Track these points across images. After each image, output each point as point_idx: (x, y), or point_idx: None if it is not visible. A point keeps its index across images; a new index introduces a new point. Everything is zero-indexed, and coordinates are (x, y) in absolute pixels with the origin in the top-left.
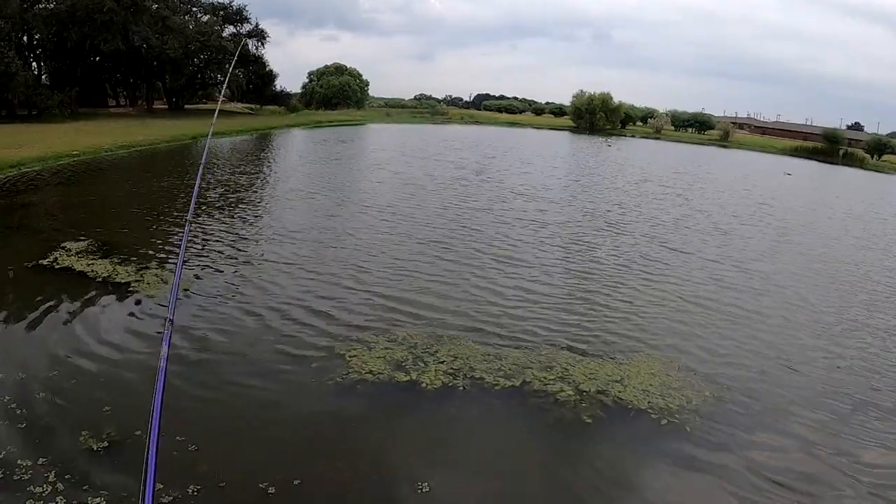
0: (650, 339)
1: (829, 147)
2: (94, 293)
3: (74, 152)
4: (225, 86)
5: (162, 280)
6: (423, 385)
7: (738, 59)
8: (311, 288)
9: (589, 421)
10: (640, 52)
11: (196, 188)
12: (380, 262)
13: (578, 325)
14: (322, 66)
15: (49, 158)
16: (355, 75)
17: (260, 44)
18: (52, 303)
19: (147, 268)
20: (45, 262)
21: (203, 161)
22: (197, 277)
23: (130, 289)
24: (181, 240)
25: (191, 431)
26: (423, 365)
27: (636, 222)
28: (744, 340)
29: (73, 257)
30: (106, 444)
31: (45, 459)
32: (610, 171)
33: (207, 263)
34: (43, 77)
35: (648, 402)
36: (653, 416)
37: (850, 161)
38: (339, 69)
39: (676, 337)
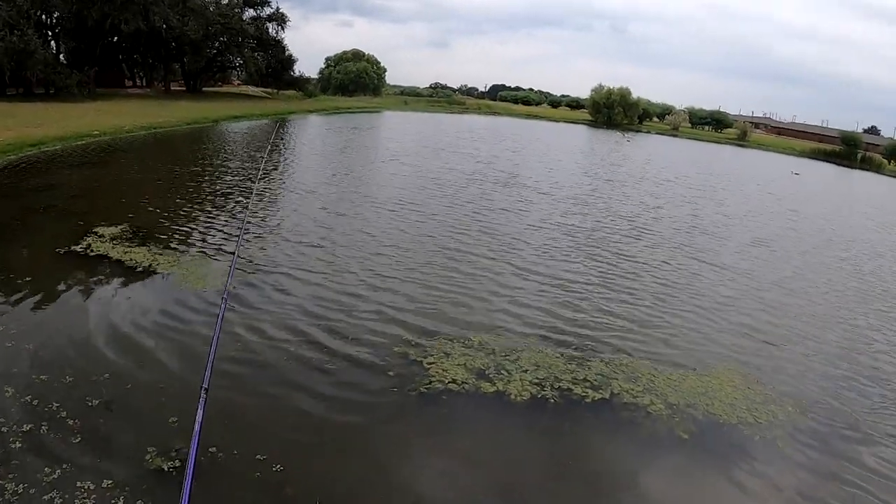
0: (723, 351)
1: (847, 150)
2: (136, 286)
3: (95, 132)
4: (243, 69)
5: (206, 271)
6: (511, 396)
7: (755, 57)
8: (372, 287)
9: (685, 437)
10: (656, 46)
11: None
12: (441, 265)
13: (652, 335)
14: (340, 51)
15: (69, 138)
16: (373, 62)
17: (280, 27)
18: (91, 296)
19: (187, 257)
20: (78, 248)
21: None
22: (248, 272)
23: (176, 282)
24: (218, 227)
25: (269, 449)
26: (506, 374)
27: (692, 233)
28: (815, 350)
29: (107, 243)
30: (177, 462)
31: (109, 482)
32: (653, 173)
33: (256, 261)
34: (61, 56)
35: (738, 417)
36: (745, 431)
37: (867, 165)
38: (356, 55)
39: (749, 348)
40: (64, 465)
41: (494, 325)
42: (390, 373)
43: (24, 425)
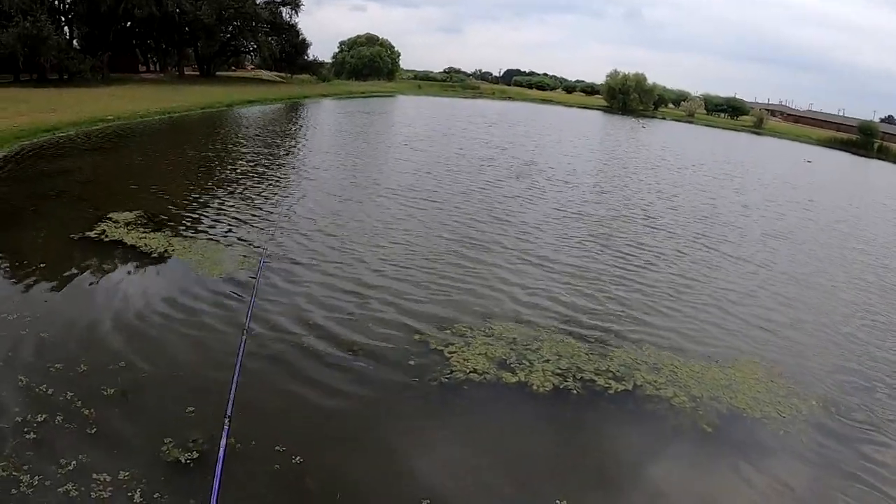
0: (744, 343)
1: (864, 140)
2: (151, 272)
3: (109, 117)
4: (257, 54)
5: (221, 258)
6: (534, 387)
7: (771, 43)
8: (389, 276)
9: (709, 430)
10: (670, 32)
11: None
12: (457, 253)
13: (673, 326)
14: (353, 36)
15: (83, 123)
16: (386, 46)
17: (293, 11)
18: (106, 283)
19: (202, 243)
20: (92, 234)
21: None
22: (270, 259)
23: (191, 268)
24: (232, 213)
25: (291, 441)
26: (528, 364)
27: (714, 222)
28: (839, 344)
29: (122, 229)
30: (195, 454)
31: (126, 473)
32: (678, 162)
33: (270, 251)
34: (74, 41)
35: (761, 412)
36: (769, 426)
37: (884, 155)
38: (370, 40)
39: (770, 340)
40: (80, 457)
41: (514, 314)
42: (410, 362)
43: (39, 415)
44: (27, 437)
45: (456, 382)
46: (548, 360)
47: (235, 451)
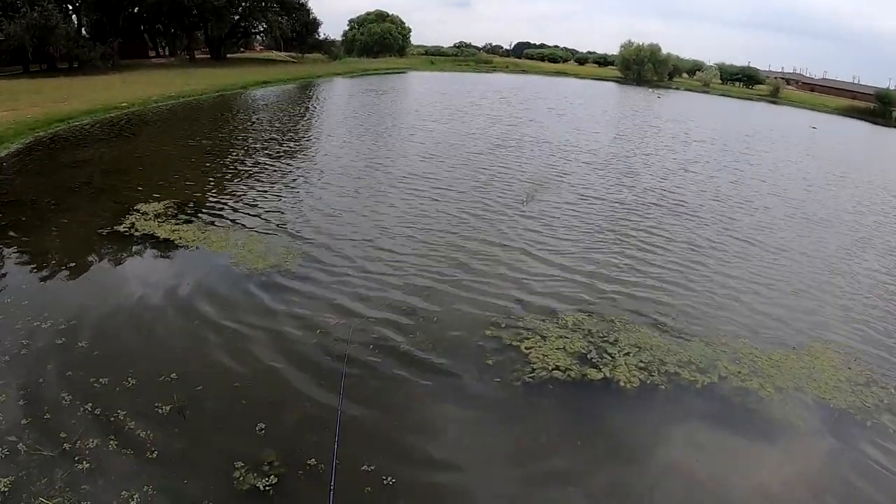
0: (812, 328)
1: (882, 108)
2: (192, 269)
3: (123, 104)
4: (267, 34)
5: (263, 249)
6: (620, 383)
7: (785, 11)
8: (450, 265)
9: (800, 423)
10: (682, 2)
11: None
12: (499, 245)
13: (743, 312)
14: (363, 13)
15: (98, 111)
16: (397, 22)
17: None
18: (144, 283)
19: (240, 233)
20: (121, 228)
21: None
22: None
23: (234, 262)
24: (263, 200)
25: (371, 458)
26: (610, 358)
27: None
28: None
29: (151, 221)
30: (273, 479)
31: None
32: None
33: (308, 243)
34: (83, 30)
35: (846, 402)
36: (856, 417)
37: None
38: (380, 16)
39: (835, 325)
40: (144, 488)
41: (583, 304)
42: (489, 361)
43: (91, 440)
44: (79, 466)
45: (539, 382)
46: (628, 354)
47: (315, 470)
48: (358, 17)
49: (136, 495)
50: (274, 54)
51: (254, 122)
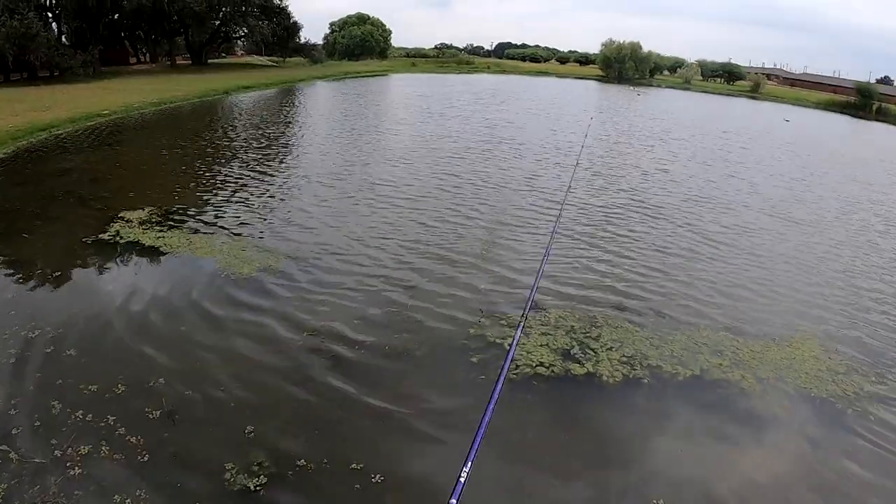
0: (794, 319)
1: (862, 101)
2: (177, 275)
3: (105, 111)
4: (248, 39)
5: (248, 255)
6: (604, 378)
7: (766, 5)
8: (433, 262)
9: (780, 412)
10: None
11: None
12: (488, 241)
13: (723, 303)
14: (344, 16)
15: (80, 119)
16: (378, 25)
17: None
18: (129, 290)
19: (223, 239)
20: (105, 236)
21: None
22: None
23: (219, 268)
24: (247, 206)
25: (363, 458)
26: (593, 353)
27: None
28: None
29: (136, 229)
30: (263, 479)
31: None
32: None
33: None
34: (63, 37)
35: (827, 391)
36: (837, 405)
37: (884, 116)
38: (361, 19)
39: (817, 315)
40: (137, 492)
41: (565, 301)
42: (473, 359)
43: (82, 446)
44: (71, 472)
45: (525, 378)
46: (611, 349)
47: (304, 471)
48: (339, 20)
49: (129, 499)
50: (255, 59)
51: (236, 127)
